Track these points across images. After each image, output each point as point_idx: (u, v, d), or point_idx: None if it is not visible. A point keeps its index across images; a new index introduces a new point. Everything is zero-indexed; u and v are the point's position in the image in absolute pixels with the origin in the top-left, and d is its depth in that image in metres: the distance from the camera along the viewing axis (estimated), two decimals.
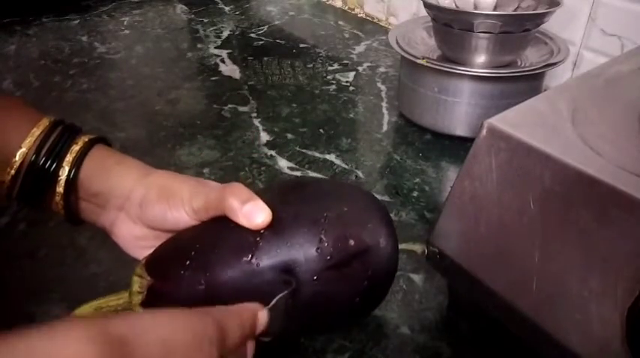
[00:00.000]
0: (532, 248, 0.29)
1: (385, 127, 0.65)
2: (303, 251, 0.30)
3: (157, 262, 0.33)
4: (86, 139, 0.35)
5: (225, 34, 0.95)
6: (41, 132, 0.33)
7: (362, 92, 0.74)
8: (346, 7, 1.09)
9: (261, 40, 0.92)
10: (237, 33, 0.95)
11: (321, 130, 0.65)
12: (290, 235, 0.31)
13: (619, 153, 0.28)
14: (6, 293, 0.41)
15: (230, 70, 0.81)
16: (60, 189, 0.33)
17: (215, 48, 0.88)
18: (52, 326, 0.18)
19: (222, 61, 0.83)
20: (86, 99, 0.72)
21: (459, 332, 0.38)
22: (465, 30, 0.55)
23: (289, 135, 0.63)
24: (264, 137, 0.63)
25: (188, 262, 0.31)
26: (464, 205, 0.33)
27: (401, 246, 0.46)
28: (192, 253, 0.31)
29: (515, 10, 0.61)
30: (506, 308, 0.31)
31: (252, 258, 0.30)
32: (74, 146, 0.34)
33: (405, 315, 0.39)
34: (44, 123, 0.34)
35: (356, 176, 0.55)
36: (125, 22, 1.00)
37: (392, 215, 0.50)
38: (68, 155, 0.33)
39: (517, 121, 0.31)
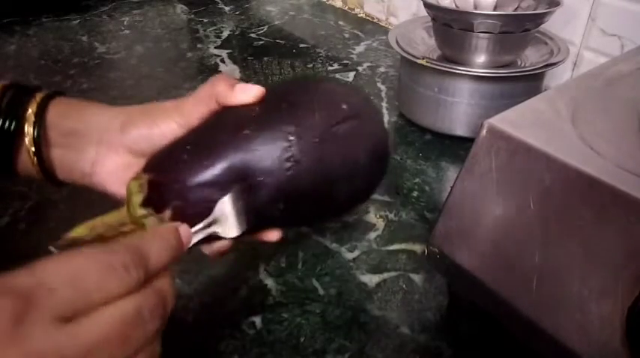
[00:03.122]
0: (532, 248, 0.29)
1: (385, 127, 0.65)
2: (300, 118, 0.31)
3: (153, 159, 0.32)
4: (45, 92, 0.34)
5: (225, 34, 0.95)
6: None
7: None
8: (346, 7, 1.09)
9: (261, 40, 0.92)
10: (237, 33, 0.95)
11: None
12: (284, 109, 0.32)
13: (619, 153, 0.28)
14: None
15: (230, 70, 0.81)
16: (29, 144, 0.32)
17: (215, 48, 0.88)
18: None
19: (222, 61, 0.83)
20: (86, 100, 0.72)
21: (459, 332, 0.38)
22: (464, 30, 0.55)
23: None
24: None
25: (188, 146, 0.31)
26: (464, 205, 0.33)
27: (401, 246, 0.46)
28: (191, 138, 0.32)
29: (515, 10, 0.61)
30: (506, 308, 0.31)
31: (251, 130, 0.30)
32: (34, 99, 0.33)
33: (405, 315, 0.39)
34: None
35: None
36: (125, 22, 1.00)
37: (392, 215, 0.50)
38: (29, 108, 0.32)
39: (517, 121, 0.31)
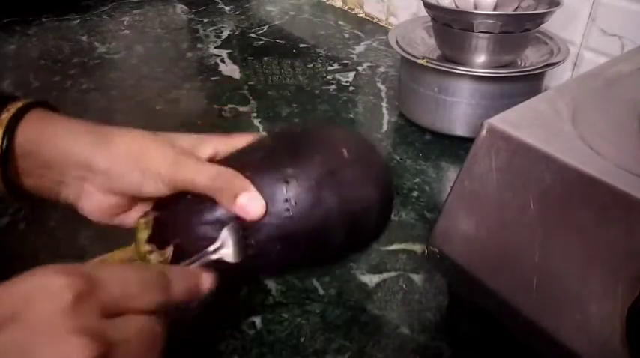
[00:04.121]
0: (532, 248, 0.29)
1: (385, 127, 0.65)
2: (299, 162, 0.32)
3: (160, 198, 0.33)
4: (19, 105, 0.30)
5: (225, 34, 0.94)
6: None
7: (362, 92, 0.74)
8: (346, 7, 1.09)
9: (261, 40, 0.92)
10: (237, 33, 0.95)
11: None
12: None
13: (619, 153, 0.28)
14: None
15: (230, 70, 0.81)
16: None
17: (215, 48, 0.88)
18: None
19: (222, 61, 0.83)
20: (86, 100, 0.72)
21: (459, 332, 0.38)
22: (464, 30, 0.55)
23: None
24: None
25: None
26: (464, 205, 0.33)
27: (401, 246, 0.46)
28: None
29: (515, 10, 0.61)
30: (506, 308, 0.31)
31: (251, 172, 0.31)
32: (4, 113, 0.30)
33: (405, 315, 0.39)
34: None
35: None
36: (125, 22, 1.00)
37: (392, 215, 0.50)
38: None
39: (517, 121, 0.31)
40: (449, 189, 0.34)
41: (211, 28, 0.97)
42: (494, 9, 0.62)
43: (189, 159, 0.31)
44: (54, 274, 0.21)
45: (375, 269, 0.43)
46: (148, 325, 0.24)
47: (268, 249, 0.32)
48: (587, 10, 0.64)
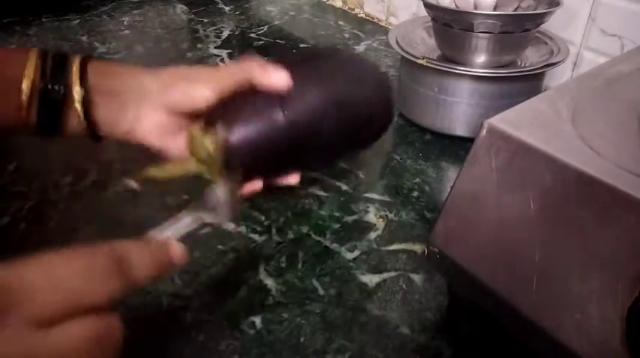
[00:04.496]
0: (532, 248, 0.29)
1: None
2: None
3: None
4: (80, 57, 0.37)
5: (225, 34, 0.95)
6: (36, 61, 0.35)
7: None
8: (346, 7, 1.09)
9: (261, 40, 0.92)
10: (237, 33, 0.95)
11: None
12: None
13: (619, 153, 0.28)
14: None
15: None
16: (78, 100, 0.35)
17: (215, 48, 0.88)
18: None
19: (222, 60, 0.83)
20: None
21: (459, 332, 0.38)
22: (464, 30, 0.55)
23: None
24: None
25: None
26: (464, 205, 0.33)
27: (401, 246, 0.46)
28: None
29: (515, 10, 0.61)
30: (506, 308, 0.31)
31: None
32: (73, 65, 0.36)
33: (405, 315, 0.39)
34: (34, 52, 0.36)
35: (356, 175, 0.55)
36: (125, 22, 1.00)
37: (392, 215, 0.50)
38: (72, 68, 0.36)
39: (517, 121, 0.31)
40: (449, 189, 0.34)
41: (211, 28, 0.97)
42: (494, 9, 0.62)
43: (223, 67, 0.41)
44: None
45: (375, 270, 0.43)
46: (89, 328, 0.21)
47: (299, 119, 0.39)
48: (587, 10, 0.64)
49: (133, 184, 0.37)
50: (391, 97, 0.46)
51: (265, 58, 0.41)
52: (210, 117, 0.38)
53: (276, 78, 0.38)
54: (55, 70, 0.35)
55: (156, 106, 0.38)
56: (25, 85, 0.34)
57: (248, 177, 0.40)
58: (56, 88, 0.35)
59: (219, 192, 0.33)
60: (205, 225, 0.32)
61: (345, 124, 0.41)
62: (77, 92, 0.35)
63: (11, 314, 0.19)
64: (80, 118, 0.36)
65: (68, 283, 0.21)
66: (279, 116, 0.38)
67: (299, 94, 0.39)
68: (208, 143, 0.37)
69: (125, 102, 0.37)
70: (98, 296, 0.21)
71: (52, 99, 0.35)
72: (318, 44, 0.90)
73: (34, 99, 0.34)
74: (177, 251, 0.27)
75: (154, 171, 0.38)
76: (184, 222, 0.30)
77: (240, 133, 0.37)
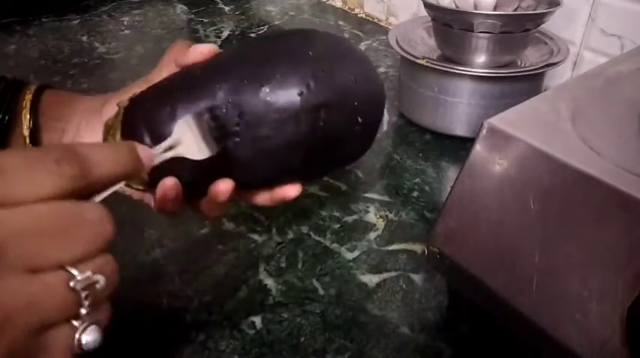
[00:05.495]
0: (532, 248, 0.29)
1: (385, 127, 0.65)
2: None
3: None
4: (36, 86, 0.37)
5: (225, 34, 0.94)
6: None
7: None
8: (346, 7, 1.09)
9: None
10: (237, 33, 0.95)
11: None
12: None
13: (619, 153, 0.28)
14: None
15: None
16: (25, 133, 0.35)
17: None
18: None
19: None
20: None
21: (459, 332, 0.38)
22: (464, 30, 0.55)
23: None
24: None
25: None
26: (464, 205, 0.33)
27: (401, 246, 0.46)
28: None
29: (515, 10, 0.61)
30: (506, 308, 0.31)
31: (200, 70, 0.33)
32: (26, 93, 0.36)
33: (405, 315, 0.39)
34: None
35: (356, 175, 0.55)
36: (125, 22, 1.00)
37: (392, 215, 0.50)
38: (24, 101, 0.36)
39: (517, 121, 0.31)
40: (449, 189, 0.34)
41: (211, 28, 0.97)
42: (495, 9, 0.62)
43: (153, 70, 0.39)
44: None
45: (375, 270, 0.43)
46: (56, 209, 0.19)
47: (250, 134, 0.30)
48: (587, 10, 0.64)
49: None
50: (380, 89, 0.35)
51: None
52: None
53: (199, 47, 0.34)
54: (4, 96, 0.36)
55: (93, 126, 0.36)
56: None
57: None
58: (1, 115, 0.35)
59: (188, 122, 0.29)
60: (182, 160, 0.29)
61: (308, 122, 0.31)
62: (25, 121, 0.35)
63: None
64: (26, 146, 0.36)
65: (15, 168, 0.19)
66: (194, 77, 0.32)
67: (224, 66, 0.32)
68: (111, 118, 0.33)
69: (66, 124, 0.37)
70: (50, 181, 0.20)
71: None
72: None
73: None
74: (145, 150, 0.26)
75: None
76: (159, 155, 0.28)
77: (143, 95, 0.33)
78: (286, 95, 0.30)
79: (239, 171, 0.32)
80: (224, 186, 0.32)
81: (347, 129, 0.32)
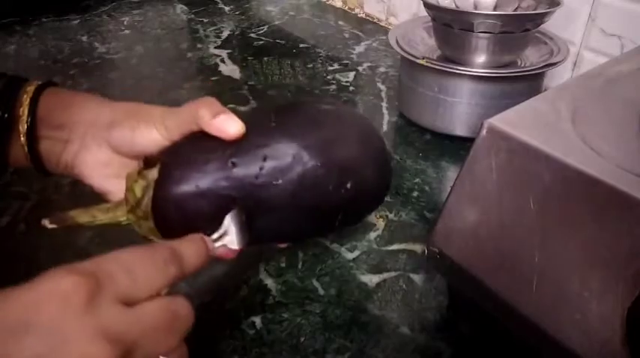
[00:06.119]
0: (532, 248, 0.29)
1: (385, 127, 0.65)
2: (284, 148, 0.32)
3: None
4: (36, 84, 0.34)
5: (225, 34, 0.94)
6: None
7: (362, 92, 0.74)
8: (346, 7, 1.09)
9: (261, 40, 0.92)
10: (237, 33, 0.95)
11: None
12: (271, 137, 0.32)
13: (619, 153, 0.28)
14: None
15: (230, 70, 0.81)
16: (22, 138, 0.33)
17: (215, 48, 0.88)
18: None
19: (222, 61, 0.83)
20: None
21: (459, 332, 0.38)
22: (465, 30, 0.55)
23: None
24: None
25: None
26: (464, 205, 0.33)
27: (401, 246, 0.46)
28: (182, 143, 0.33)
29: (515, 10, 0.61)
30: (507, 308, 0.31)
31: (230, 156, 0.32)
32: (25, 92, 0.34)
33: (405, 315, 0.39)
34: None
35: None
36: (125, 22, 1.00)
37: (392, 215, 0.50)
38: (22, 100, 0.33)
39: (517, 121, 0.31)
40: (449, 189, 0.34)
41: (211, 28, 0.97)
42: (494, 9, 0.62)
43: (176, 107, 0.35)
44: (60, 276, 0.21)
45: (375, 270, 0.43)
46: (165, 306, 0.23)
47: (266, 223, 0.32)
48: (587, 10, 0.64)
49: (46, 224, 0.32)
50: (388, 172, 0.37)
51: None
52: (148, 157, 0.33)
53: (222, 124, 0.32)
54: (2, 95, 0.33)
55: (99, 142, 0.34)
56: None
57: (175, 229, 0.31)
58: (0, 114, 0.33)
59: (232, 216, 0.31)
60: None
61: (314, 188, 0.32)
62: (22, 123, 0.33)
63: (101, 294, 0.21)
64: (24, 150, 0.34)
65: (139, 270, 0.23)
66: (226, 166, 0.31)
67: (254, 144, 0.32)
68: (138, 187, 0.31)
69: (71, 134, 0.34)
70: (163, 281, 0.24)
71: None
72: (318, 44, 0.90)
73: None
74: (208, 240, 0.29)
75: (77, 215, 0.33)
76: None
77: (178, 180, 0.31)
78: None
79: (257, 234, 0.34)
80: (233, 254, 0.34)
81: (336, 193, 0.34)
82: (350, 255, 0.45)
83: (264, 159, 0.31)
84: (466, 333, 0.38)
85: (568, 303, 0.28)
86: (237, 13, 1.05)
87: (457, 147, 0.60)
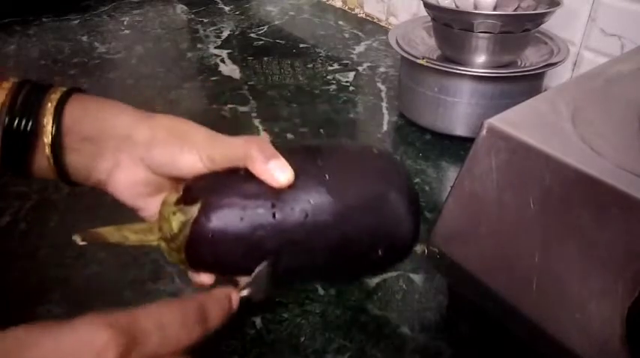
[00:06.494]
0: (532, 248, 0.29)
1: (385, 127, 0.65)
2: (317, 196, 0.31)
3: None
4: (61, 91, 0.32)
5: (225, 34, 0.94)
6: (7, 93, 0.31)
7: (362, 92, 0.74)
8: (346, 7, 1.09)
9: (261, 40, 0.92)
10: (237, 33, 0.95)
11: (321, 130, 0.65)
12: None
13: (619, 153, 0.28)
14: (6, 293, 0.41)
15: (230, 70, 0.81)
16: (47, 149, 0.31)
17: (215, 48, 0.88)
18: (71, 320, 0.22)
19: (222, 61, 0.83)
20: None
21: (459, 332, 0.38)
22: (465, 30, 0.55)
23: (289, 135, 0.63)
24: (265, 137, 0.63)
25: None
26: (464, 205, 0.33)
27: None
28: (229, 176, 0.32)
29: (515, 10, 0.61)
30: (506, 308, 0.31)
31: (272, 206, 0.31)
32: (49, 100, 0.31)
33: (405, 315, 0.39)
34: (8, 84, 0.31)
35: None
36: (125, 22, 1.00)
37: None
38: (45, 109, 0.31)
39: (517, 121, 0.31)
40: (449, 189, 0.34)
41: (211, 28, 0.97)
42: (494, 9, 0.62)
43: (223, 136, 0.33)
44: (98, 328, 0.21)
45: None
46: None
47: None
48: (587, 10, 0.64)
49: (78, 241, 0.32)
50: (417, 225, 0.35)
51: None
52: (189, 189, 0.32)
53: (275, 171, 0.31)
54: (26, 103, 0.31)
55: (136, 161, 0.33)
56: None
57: (206, 268, 0.33)
58: (22, 124, 0.30)
59: (264, 270, 0.31)
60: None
61: (348, 251, 0.32)
62: (48, 134, 0.31)
63: (131, 354, 0.22)
64: (50, 162, 0.32)
65: (170, 329, 0.24)
66: (267, 216, 0.31)
67: (298, 198, 0.31)
68: (176, 221, 0.31)
69: (101, 148, 0.32)
70: (189, 340, 0.25)
71: (18, 137, 0.31)
72: (318, 44, 0.90)
73: None
74: (237, 298, 0.30)
75: (109, 234, 0.33)
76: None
77: (217, 220, 0.31)
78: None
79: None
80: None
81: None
82: None
83: (306, 216, 0.31)
84: (466, 333, 0.38)
85: (568, 303, 0.28)
86: (237, 13, 1.05)
87: (457, 147, 0.60)
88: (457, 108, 0.59)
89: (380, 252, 0.32)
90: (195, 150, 0.32)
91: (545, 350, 0.29)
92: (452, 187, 0.34)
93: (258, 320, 0.39)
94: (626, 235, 0.25)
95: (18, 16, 1.00)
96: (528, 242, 0.29)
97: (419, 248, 0.45)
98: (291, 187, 0.31)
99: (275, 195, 0.31)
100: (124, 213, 0.49)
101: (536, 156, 0.29)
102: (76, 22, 1.00)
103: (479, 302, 0.33)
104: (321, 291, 0.41)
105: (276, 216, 0.31)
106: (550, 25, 0.59)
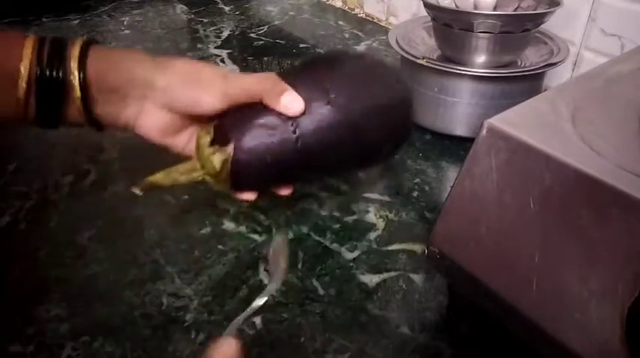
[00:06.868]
0: (532, 248, 0.29)
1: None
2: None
3: (217, 115, 0.39)
4: (80, 42, 0.35)
5: (225, 34, 0.95)
6: (34, 47, 0.34)
7: None
8: (346, 7, 1.09)
9: (261, 40, 0.92)
10: (237, 33, 0.95)
11: None
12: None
13: (619, 153, 0.28)
14: (6, 293, 0.41)
15: (230, 69, 0.80)
16: (77, 93, 0.34)
17: (215, 48, 0.88)
18: None
19: (222, 61, 0.83)
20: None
21: (459, 332, 0.38)
22: (465, 30, 0.55)
23: None
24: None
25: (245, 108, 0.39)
26: (464, 205, 0.33)
27: (401, 246, 0.46)
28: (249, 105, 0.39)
29: (515, 10, 0.61)
30: (506, 308, 0.31)
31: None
32: (71, 51, 0.34)
33: (405, 315, 0.39)
34: (31, 39, 0.34)
35: (356, 175, 0.55)
36: (125, 22, 1.00)
37: (392, 215, 0.50)
38: (70, 64, 0.34)
39: (517, 121, 0.31)
40: (449, 189, 0.34)
41: (211, 28, 0.97)
42: (494, 9, 0.62)
43: (237, 74, 0.38)
44: None
45: (375, 269, 0.43)
46: None
47: (315, 139, 0.39)
48: (587, 10, 0.64)
49: (137, 192, 0.38)
50: (411, 115, 0.46)
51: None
52: (219, 130, 0.38)
53: (289, 103, 0.37)
54: (52, 56, 0.34)
55: (159, 106, 0.37)
56: (23, 72, 0.33)
57: (248, 189, 0.41)
58: (54, 75, 0.34)
59: (276, 247, 0.37)
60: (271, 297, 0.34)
61: (359, 148, 0.41)
62: (76, 89, 0.34)
63: None
64: (80, 110, 0.35)
65: None
66: (291, 137, 0.38)
67: (314, 116, 0.38)
68: (217, 160, 0.37)
69: (126, 97, 0.36)
70: None
71: (50, 88, 0.34)
72: (318, 44, 0.90)
73: (31, 88, 0.34)
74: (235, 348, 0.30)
75: (160, 178, 0.39)
76: (256, 305, 0.32)
77: (250, 154, 0.37)
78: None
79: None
80: (285, 191, 0.43)
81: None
82: (350, 255, 0.45)
83: (321, 130, 0.39)
84: (466, 333, 0.38)
85: (568, 303, 0.28)
86: (237, 13, 1.05)
87: (457, 147, 0.60)
88: (457, 108, 0.59)
89: (388, 146, 0.44)
90: (213, 91, 0.36)
91: (545, 350, 0.29)
92: (452, 187, 0.34)
93: (258, 320, 0.39)
94: (626, 235, 0.25)
95: (18, 16, 1.00)
96: (528, 242, 0.29)
97: (419, 248, 0.46)
98: (304, 113, 0.38)
99: (292, 119, 0.38)
100: (124, 213, 0.49)
101: (536, 156, 0.29)
102: (76, 22, 1.00)
103: (479, 302, 0.33)
104: (321, 291, 0.41)
105: (298, 138, 0.38)
106: (550, 25, 0.59)
